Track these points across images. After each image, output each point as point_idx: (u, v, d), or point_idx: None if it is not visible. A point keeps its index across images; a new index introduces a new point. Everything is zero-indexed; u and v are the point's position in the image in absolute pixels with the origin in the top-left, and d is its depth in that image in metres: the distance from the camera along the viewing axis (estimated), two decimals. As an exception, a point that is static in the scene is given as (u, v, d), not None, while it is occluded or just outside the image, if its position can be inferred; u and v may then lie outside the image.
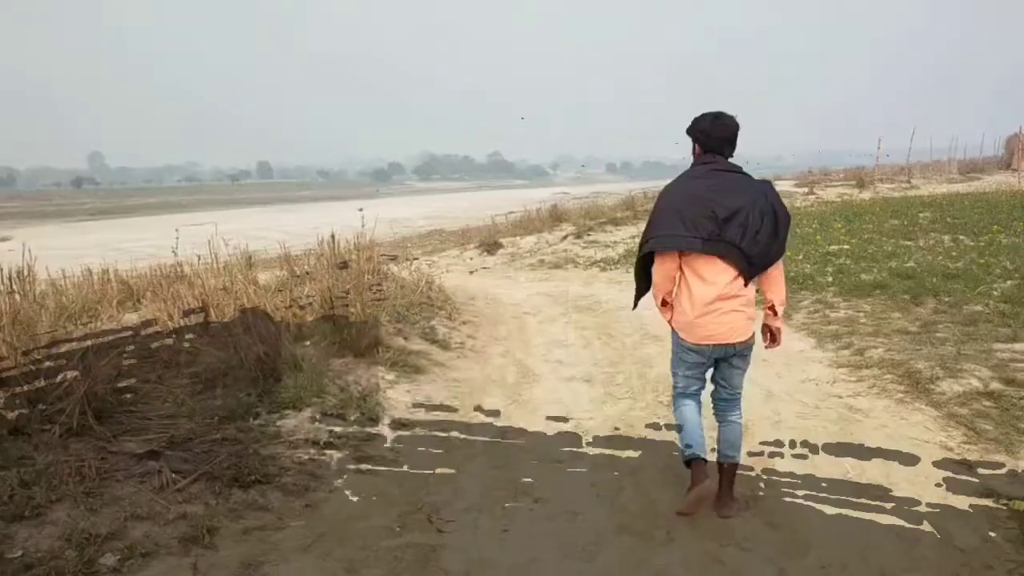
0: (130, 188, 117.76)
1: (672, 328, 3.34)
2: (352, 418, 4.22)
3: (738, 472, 3.40)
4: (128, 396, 4.30)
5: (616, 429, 4.38)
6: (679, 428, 3.37)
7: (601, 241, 13.73)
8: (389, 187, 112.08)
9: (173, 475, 3.41)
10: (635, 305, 3.56)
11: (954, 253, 9.40)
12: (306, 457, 3.75)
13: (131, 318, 6.84)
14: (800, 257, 9.72)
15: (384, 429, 4.22)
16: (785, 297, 3.28)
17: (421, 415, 4.55)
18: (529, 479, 3.73)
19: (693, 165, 3.28)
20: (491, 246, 14.41)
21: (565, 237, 14.28)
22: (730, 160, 3.25)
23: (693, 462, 3.25)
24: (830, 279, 8.30)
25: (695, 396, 3.39)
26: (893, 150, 31.87)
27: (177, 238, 8.05)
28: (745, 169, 3.25)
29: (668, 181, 3.35)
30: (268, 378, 4.60)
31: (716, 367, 3.33)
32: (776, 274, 3.22)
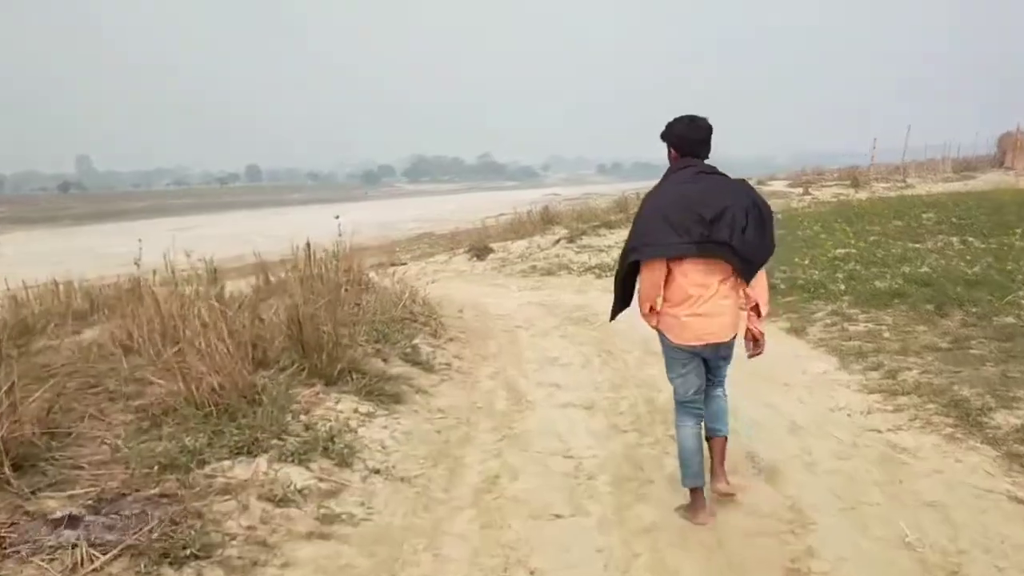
0: (118, 192, 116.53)
1: (659, 331, 3.29)
2: (317, 465, 3.60)
3: None
4: (55, 443, 3.67)
5: (624, 472, 3.79)
6: (678, 449, 3.35)
7: (594, 245, 13.15)
8: (378, 189, 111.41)
9: (91, 550, 2.80)
10: (612, 317, 3.48)
11: (968, 257, 8.88)
12: (258, 519, 3.13)
13: (89, 335, 6.25)
14: (807, 262, 9.17)
15: (354, 478, 3.61)
16: (768, 299, 3.24)
17: (398, 457, 3.95)
18: (524, 541, 3.14)
19: (675, 170, 3.23)
20: (481, 251, 13.83)
21: (557, 241, 13.69)
22: (706, 162, 3.24)
23: (692, 490, 3.30)
24: (842, 287, 7.74)
25: (695, 410, 3.33)
26: (888, 149, 31.57)
27: (140, 248, 7.40)
28: (739, 170, 3.09)
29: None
30: (222, 415, 3.99)
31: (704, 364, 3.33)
32: (760, 273, 3.19)
